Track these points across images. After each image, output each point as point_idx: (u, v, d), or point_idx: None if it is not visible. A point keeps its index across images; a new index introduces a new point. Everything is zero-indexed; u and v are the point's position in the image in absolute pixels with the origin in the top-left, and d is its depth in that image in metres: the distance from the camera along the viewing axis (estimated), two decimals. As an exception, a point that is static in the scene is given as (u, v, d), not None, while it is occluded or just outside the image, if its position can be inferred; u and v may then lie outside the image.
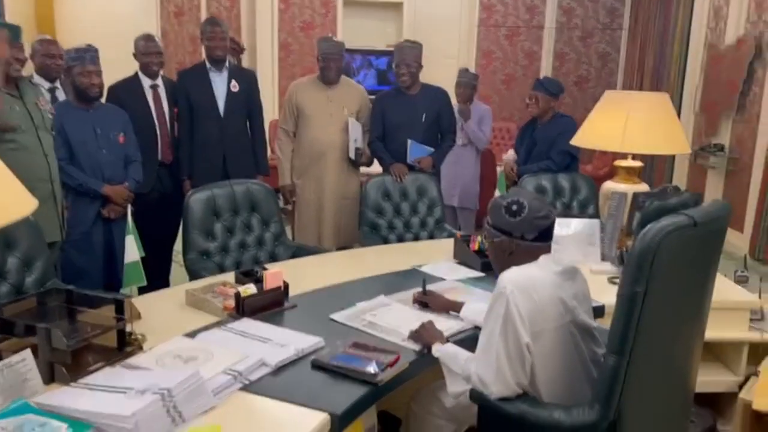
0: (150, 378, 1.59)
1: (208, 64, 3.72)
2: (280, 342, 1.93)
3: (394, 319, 2.16)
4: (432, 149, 3.74)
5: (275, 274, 2.27)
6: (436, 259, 2.87)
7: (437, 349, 1.86)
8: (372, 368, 1.74)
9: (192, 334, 1.97)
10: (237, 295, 2.16)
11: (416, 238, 3.56)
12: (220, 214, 2.97)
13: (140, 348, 1.83)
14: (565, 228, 2.91)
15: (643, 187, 3.07)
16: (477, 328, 1.96)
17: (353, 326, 2.11)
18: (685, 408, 1.83)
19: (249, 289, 2.20)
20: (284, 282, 2.28)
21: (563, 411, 1.64)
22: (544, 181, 3.73)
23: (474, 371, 1.71)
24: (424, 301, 2.24)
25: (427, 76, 3.86)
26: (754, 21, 5.57)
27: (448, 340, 1.89)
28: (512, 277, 1.69)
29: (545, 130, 3.87)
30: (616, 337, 1.55)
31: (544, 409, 1.67)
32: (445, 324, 2.08)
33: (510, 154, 4.12)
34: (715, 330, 2.03)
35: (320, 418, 1.57)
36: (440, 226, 3.63)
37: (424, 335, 1.94)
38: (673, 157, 6.51)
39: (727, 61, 5.80)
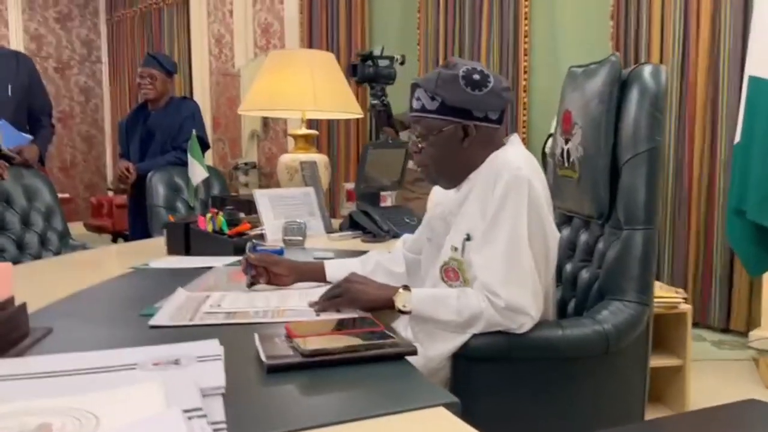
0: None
1: None
2: (158, 359, 0.91)
3: (261, 302, 1.33)
4: (31, 137, 2.58)
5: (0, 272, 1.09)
6: (144, 259, 1.94)
7: (406, 300, 1.21)
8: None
9: None
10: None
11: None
12: None
13: None
14: (279, 201, 2.41)
15: (323, 156, 2.83)
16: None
17: (209, 323, 1.19)
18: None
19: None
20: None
21: (593, 320, 1.29)
22: (177, 177, 3.03)
23: (504, 298, 1.17)
24: (263, 264, 1.45)
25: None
26: (261, 45, 5.97)
27: (406, 287, 1.24)
28: (514, 157, 1.25)
29: (163, 116, 3.17)
30: (640, 205, 1.32)
31: (577, 326, 1.28)
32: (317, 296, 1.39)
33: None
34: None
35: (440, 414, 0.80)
36: (67, 242, 2.51)
37: (361, 293, 1.24)
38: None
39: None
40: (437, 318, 1.21)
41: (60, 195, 6.11)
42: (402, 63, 2.97)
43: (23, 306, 1.11)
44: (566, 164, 1.53)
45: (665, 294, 2.18)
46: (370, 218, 2.38)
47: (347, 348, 0.96)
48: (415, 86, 1.33)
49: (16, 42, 6.92)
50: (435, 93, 1.29)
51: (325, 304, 1.26)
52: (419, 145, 1.34)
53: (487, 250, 1.21)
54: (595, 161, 1.41)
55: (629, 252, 1.32)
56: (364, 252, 1.97)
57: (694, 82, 3.22)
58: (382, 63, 2.99)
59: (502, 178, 1.22)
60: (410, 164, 2.40)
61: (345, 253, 2.05)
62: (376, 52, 2.88)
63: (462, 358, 1.24)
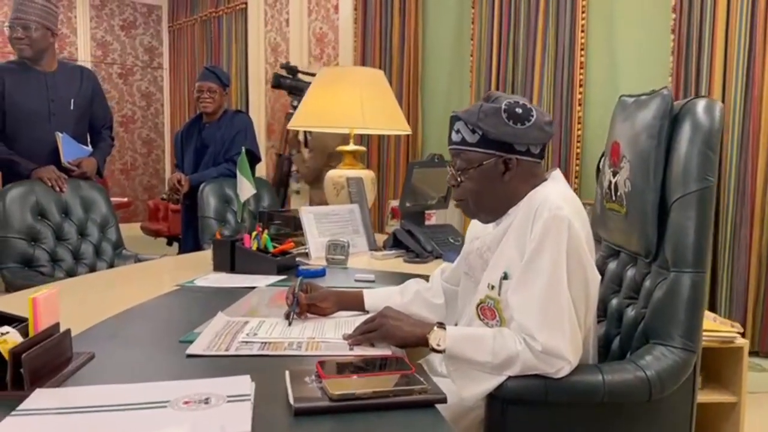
0: None
1: None
2: (189, 398, 0.93)
3: (296, 332, 1.34)
4: (90, 149, 2.68)
5: (49, 298, 1.13)
6: (191, 274, 1.99)
7: (440, 339, 1.19)
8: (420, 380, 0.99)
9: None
10: (-7, 353, 0.98)
11: (93, 272, 2.44)
12: None
13: None
14: (324, 218, 2.43)
15: (371, 173, 2.83)
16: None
17: (243, 353, 1.21)
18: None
19: (9, 336, 1.03)
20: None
21: (636, 365, 1.24)
22: (228, 189, 3.09)
23: (541, 342, 1.14)
24: (308, 302, 1.46)
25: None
26: (316, 54, 6.04)
27: (441, 324, 1.23)
28: (555, 195, 1.22)
29: (217, 129, 3.24)
30: (689, 247, 1.26)
31: (618, 372, 1.24)
32: (352, 327, 1.39)
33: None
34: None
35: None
36: (120, 253, 2.59)
37: (395, 328, 1.23)
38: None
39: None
40: (472, 358, 1.18)
41: (119, 199, 6.36)
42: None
43: (67, 332, 1.15)
44: (613, 198, 1.48)
45: (721, 328, 2.09)
46: (413, 237, 2.37)
47: (375, 393, 0.96)
48: (454, 119, 1.32)
49: (84, 49, 7.22)
50: (476, 126, 1.27)
51: (359, 338, 1.25)
52: (458, 179, 1.32)
53: (525, 292, 1.19)
54: (643, 198, 1.36)
55: (676, 295, 1.27)
56: (405, 274, 1.97)
57: (758, 117, 3.09)
58: (305, 78, 3.58)
59: (541, 216, 1.19)
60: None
61: (386, 275, 2.05)
62: (301, 67, 3.21)
63: (497, 400, 1.21)
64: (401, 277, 1.83)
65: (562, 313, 1.16)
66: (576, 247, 1.18)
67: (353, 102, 2.57)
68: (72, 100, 2.64)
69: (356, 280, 1.93)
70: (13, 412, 0.88)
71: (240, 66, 6.57)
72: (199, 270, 2.05)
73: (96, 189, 2.60)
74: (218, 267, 2.06)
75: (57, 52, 2.72)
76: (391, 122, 2.75)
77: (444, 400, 0.98)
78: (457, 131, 1.31)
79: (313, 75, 3.14)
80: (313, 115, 2.66)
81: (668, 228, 1.31)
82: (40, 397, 0.94)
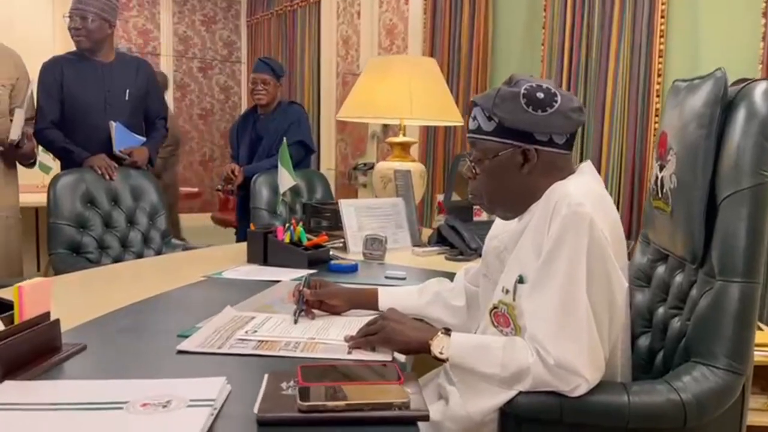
0: None
1: None
2: (150, 399, 0.87)
3: (298, 331, 1.26)
4: (143, 138, 2.72)
5: (38, 287, 1.10)
6: (224, 265, 1.96)
7: (444, 346, 1.08)
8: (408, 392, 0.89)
9: None
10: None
11: (140, 258, 2.47)
12: None
13: None
14: (366, 212, 2.34)
15: (419, 165, 2.73)
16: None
17: (234, 352, 1.14)
18: None
19: (-11, 324, 1.01)
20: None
21: (670, 387, 1.09)
22: (280, 179, 3.06)
23: (554, 355, 1.01)
24: (315, 299, 1.38)
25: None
26: (386, 47, 5.96)
27: (448, 330, 1.12)
28: (576, 190, 1.08)
29: (271, 120, 3.23)
30: (739, 253, 1.09)
31: (648, 393, 1.08)
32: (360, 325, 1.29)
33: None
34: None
35: None
36: (168, 241, 2.62)
37: (397, 333, 1.13)
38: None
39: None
40: (478, 370, 1.07)
41: (190, 189, 6.53)
42: None
43: (56, 322, 1.12)
44: (659, 194, 1.32)
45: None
46: (457, 233, 2.25)
47: (348, 406, 0.87)
48: (473, 104, 1.20)
49: (166, 44, 7.47)
50: (492, 113, 1.14)
51: (359, 341, 1.16)
52: (474, 170, 1.20)
53: (538, 297, 1.06)
54: (689, 195, 1.19)
55: (722, 307, 1.10)
56: (444, 272, 1.86)
57: None
58: None
59: (559, 213, 1.05)
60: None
61: (421, 272, 1.95)
62: None
63: (510, 417, 1.09)
64: (438, 275, 1.72)
65: (579, 324, 1.02)
66: (598, 249, 1.04)
67: (401, 92, 2.48)
68: (127, 91, 2.69)
69: (386, 277, 1.83)
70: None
71: (312, 59, 6.60)
72: (235, 261, 2.02)
73: (146, 178, 2.63)
74: (251, 259, 2.03)
75: (134, 48, 2.77)
76: (442, 112, 2.63)
77: (426, 418, 0.87)
78: (474, 118, 1.19)
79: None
80: (360, 105, 2.58)
81: (716, 230, 1.14)
82: (4, 390, 0.91)
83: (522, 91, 1.13)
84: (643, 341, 1.40)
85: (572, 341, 1.01)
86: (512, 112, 1.13)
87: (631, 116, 3.38)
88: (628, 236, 2.97)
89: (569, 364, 1.01)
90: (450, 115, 2.61)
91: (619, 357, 1.15)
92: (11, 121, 2.36)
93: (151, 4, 7.32)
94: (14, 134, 2.31)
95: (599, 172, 3.28)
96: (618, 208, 3.23)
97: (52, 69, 2.62)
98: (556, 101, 1.12)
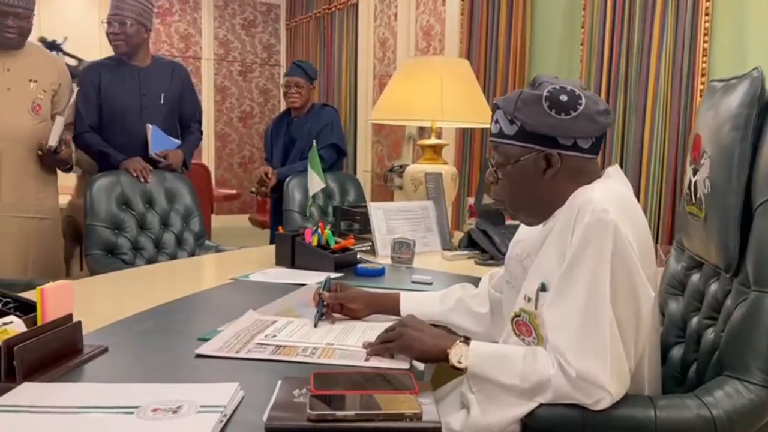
0: None
1: None
2: (161, 404, 0.87)
3: (317, 336, 1.25)
4: (179, 141, 2.76)
5: (60, 289, 1.12)
6: (252, 267, 1.96)
7: (462, 355, 1.06)
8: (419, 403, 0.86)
9: None
10: (-12, 342, 0.98)
11: (173, 260, 2.51)
12: None
13: None
14: (395, 215, 2.32)
15: (451, 168, 2.69)
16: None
17: (252, 357, 1.14)
18: None
19: (11, 326, 1.03)
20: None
21: (700, 402, 1.03)
22: (313, 181, 3.07)
23: (576, 367, 0.97)
24: (335, 302, 1.37)
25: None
26: (422, 48, 5.93)
27: (467, 339, 1.09)
28: (600, 195, 1.04)
29: (304, 123, 3.24)
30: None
31: (677, 408, 1.04)
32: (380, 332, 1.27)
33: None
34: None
35: None
36: (202, 243, 2.65)
37: (416, 340, 1.11)
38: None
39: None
40: (497, 380, 1.04)
41: (228, 191, 6.62)
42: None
43: (78, 324, 1.14)
44: (693, 199, 1.26)
45: None
46: (488, 238, 2.21)
47: (358, 416, 0.85)
48: (495, 107, 1.17)
49: (207, 48, 7.60)
50: (514, 116, 1.11)
51: (378, 348, 1.15)
52: (496, 175, 1.17)
53: (560, 307, 1.02)
54: (723, 201, 1.14)
55: (757, 320, 1.04)
56: (473, 277, 1.83)
57: None
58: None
59: (582, 220, 1.02)
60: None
61: (449, 277, 1.92)
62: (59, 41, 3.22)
63: (531, 429, 1.06)
64: (466, 280, 1.69)
65: (602, 334, 0.98)
66: (623, 257, 1.00)
67: (432, 93, 2.45)
68: (162, 95, 2.73)
69: (413, 282, 1.81)
70: (-18, 407, 0.87)
71: (349, 61, 6.61)
72: (264, 264, 2.03)
73: (181, 180, 2.67)
74: (280, 262, 2.03)
75: (175, 52, 2.83)
76: (474, 114, 2.59)
77: (438, 430, 0.85)
78: (496, 121, 1.16)
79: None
80: (392, 107, 2.57)
81: (751, 237, 1.08)
82: (22, 392, 0.93)
83: (544, 93, 1.09)
84: (677, 352, 1.35)
85: (595, 353, 0.98)
86: (534, 115, 1.09)
87: (674, 117, 3.27)
88: (670, 243, 2.88)
89: (592, 377, 0.97)
90: (483, 117, 2.57)
91: (647, 369, 1.10)
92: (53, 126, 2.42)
93: (192, 9, 7.45)
94: (52, 140, 2.37)
95: (639, 175, 3.19)
96: (659, 213, 3.13)
97: (91, 74, 2.68)
98: (580, 104, 1.09)
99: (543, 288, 1.08)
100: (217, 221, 6.16)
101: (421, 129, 5.74)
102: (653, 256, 1.10)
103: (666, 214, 3.12)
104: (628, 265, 1.00)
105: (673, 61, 3.54)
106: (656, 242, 2.93)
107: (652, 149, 3.21)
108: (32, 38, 2.55)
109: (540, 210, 1.14)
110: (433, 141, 2.63)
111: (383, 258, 2.14)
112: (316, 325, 1.31)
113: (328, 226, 2.08)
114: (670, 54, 3.55)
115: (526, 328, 1.11)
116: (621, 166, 3.22)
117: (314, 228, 2.03)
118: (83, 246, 2.35)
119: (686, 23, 3.47)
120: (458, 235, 2.54)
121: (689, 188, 1.30)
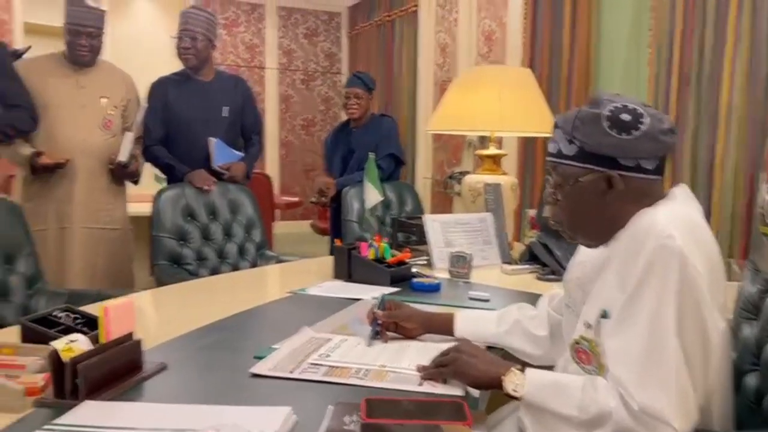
0: None
1: None
2: (215, 428, 0.88)
3: (371, 356, 1.25)
4: (241, 154, 2.82)
5: (122, 307, 1.16)
6: (311, 279, 1.98)
7: (518, 384, 1.03)
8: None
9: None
10: (55, 360, 1.01)
11: (235, 270, 2.56)
12: None
13: None
14: (452, 227, 2.30)
15: (511, 178, 2.64)
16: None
17: (305, 378, 1.14)
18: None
19: (76, 344, 1.06)
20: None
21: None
22: (371, 192, 3.07)
23: (638, 400, 0.93)
24: (392, 321, 1.36)
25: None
26: (483, 53, 5.87)
27: (523, 367, 1.06)
28: (665, 219, 0.99)
29: (363, 133, 3.26)
30: None
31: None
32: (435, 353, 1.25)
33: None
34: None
35: None
36: (263, 253, 2.69)
37: (470, 366, 1.09)
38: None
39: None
40: (554, 410, 1.00)
41: (290, 198, 6.72)
42: None
43: (138, 343, 1.17)
44: (766, 220, 1.19)
45: None
46: (549, 252, 2.15)
47: (408, 448, 0.83)
48: (554, 126, 1.13)
49: (271, 57, 7.76)
50: (573, 136, 1.07)
51: (432, 372, 1.13)
52: (555, 196, 1.13)
53: (623, 337, 0.97)
54: (802, 223, 1.06)
55: (840, 354, 0.97)
56: (533, 294, 1.78)
57: None
58: None
59: (646, 246, 0.97)
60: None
61: (507, 293, 1.88)
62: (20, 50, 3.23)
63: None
64: (525, 298, 1.65)
65: (667, 367, 0.93)
66: (691, 288, 0.94)
67: (491, 103, 2.41)
68: (225, 108, 2.80)
69: (470, 298, 1.78)
70: (44, 426, 0.90)
71: (410, 67, 6.62)
72: (322, 276, 2.04)
73: (243, 192, 2.72)
74: (337, 275, 2.04)
75: (240, 62, 2.90)
76: (535, 124, 2.54)
77: (490, 465, 0.82)
78: (554, 141, 1.13)
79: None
80: (449, 117, 2.54)
81: (833, 265, 1.01)
82: (83, 410, 0.96)
83: (605, 112, 1.05)
84: (751, 380, 1.27)
85: (659, 386, 0.93)
86: (594, 135, 1.05)
87: (750, 126, 3.10)
88: (744, 257, 2.73)
89: (655, 411, 0.92)
90: (545, 125, 2.51)
91: (717, 402, 1.04)
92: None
93: (257, 19, 7.63)
94: (123, 156, 2.46)
95: (710, 188, 3.04)
96: (731, 229, 2.97)
97: (158, 89, 2.77)
98: (642, 123, 1.04)
99: (604, 315, 1.04)
100: (280, 227, 6.26)
101: (482, 137, 5.68)
102: (724, 282, 1.04)
103: (739, 231, 2.96)
104: (696, 296, 0.95)
105: (749, 64, 3.36)
106: (729, 257, 2.79)
107: (726, 160, 3.05)
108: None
109: (600, 233, 1.10)
110: (491, 151, 2.59)
111: (440, 271, 2.12)
112: (369, 344, 1.30)
113: (385, 239, 2.07)
114: (745, 56, 3.36)
115: (587, 356, 1.07)
116: (690, 178, 3.08)
117: (370, 242, 2.03)
118: (152, 257, 2.43)
119: (763, 23, 3.28)
120: (518, 247, 2.49)
121: (762, 208, 1.22)
